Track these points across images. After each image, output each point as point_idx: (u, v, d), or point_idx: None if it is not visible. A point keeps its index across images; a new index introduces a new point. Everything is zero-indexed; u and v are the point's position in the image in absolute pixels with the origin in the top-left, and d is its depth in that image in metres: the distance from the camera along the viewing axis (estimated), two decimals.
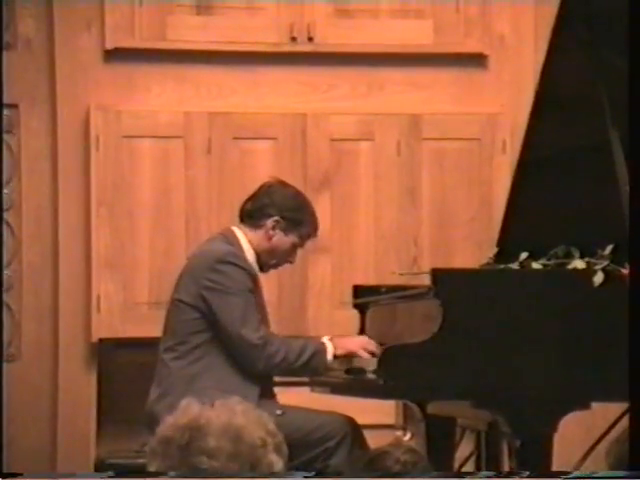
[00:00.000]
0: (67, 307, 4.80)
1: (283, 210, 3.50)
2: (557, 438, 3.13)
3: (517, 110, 4.52)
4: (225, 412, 1.91)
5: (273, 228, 3.50)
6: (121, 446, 3.86)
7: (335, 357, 3.43)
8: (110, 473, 2.14)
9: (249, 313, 3.40)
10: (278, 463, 1.90)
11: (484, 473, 3.15)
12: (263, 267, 3.56)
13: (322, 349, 3.41)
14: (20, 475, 2.15)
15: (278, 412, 3.26)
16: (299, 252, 3.68)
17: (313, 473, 2.09)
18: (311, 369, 3.42)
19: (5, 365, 4.81)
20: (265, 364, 3.37)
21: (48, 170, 4.83)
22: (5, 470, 4.15)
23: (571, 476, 2.15)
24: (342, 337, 3.53)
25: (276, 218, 3.50)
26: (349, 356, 3.43)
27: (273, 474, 1.90)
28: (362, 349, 3.42)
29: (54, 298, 4.81)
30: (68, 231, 4.81)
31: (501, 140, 4.90)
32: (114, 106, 4.80)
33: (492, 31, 4.98)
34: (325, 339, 3.48)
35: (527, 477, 2.31)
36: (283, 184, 3.59)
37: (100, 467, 3.63)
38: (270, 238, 3.50)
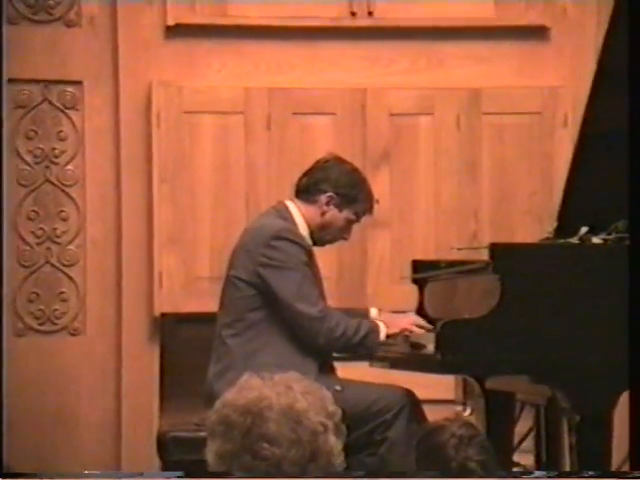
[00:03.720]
0: (130, 282, 4.86)
1: (337, 186, 3.50)
2: (618, 414, 3.11)
3: (579, 83, 4.47)
4: (285, 391, 1.92)
5: (327, 204, 3.51)
6: (183, 419, 3.91)
7: (387, 336, 3.43)
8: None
9: (306, 287, 3.41)
10: (337, 446, 1.92)
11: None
12: (317, 242, 3.56)
13: (375, 329, 3.43)
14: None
15: (337, 388, 3.28)
16: (359, 227, 3.68)
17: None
18: (366, 347, 3.43)
19: (70, 339, 4.89)
20: (326, 337, 3.38)
21: (111, 146, 4.88)
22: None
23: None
24: (391, 316, 3.54)
25: (330, 194, 3.50)
26: (401, 334, 3.43)
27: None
28: (412, 325, 3.43)
29: (117, 273, 4.88)
30: (131, 207, 4.87)
31: (562, 114, 4.85)
32: (175, 82, 4.84)
33: (554, 3, 4.92)
34: (372, 315, 3.49)
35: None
36: (339, 160, 3.59)
37: (163, 440, 3.68)
38: (324, 213, 3.51)
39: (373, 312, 3.61)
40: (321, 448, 1.90)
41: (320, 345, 3.41)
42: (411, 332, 3.43)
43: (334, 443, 1.91)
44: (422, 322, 3.47)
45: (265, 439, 1.88)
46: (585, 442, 3.05)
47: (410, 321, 3.47)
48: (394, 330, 3.44)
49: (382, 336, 3.44)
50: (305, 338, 3.41)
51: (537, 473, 2.81)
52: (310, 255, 3.49)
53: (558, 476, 2.39)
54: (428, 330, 3.40)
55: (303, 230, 3.52)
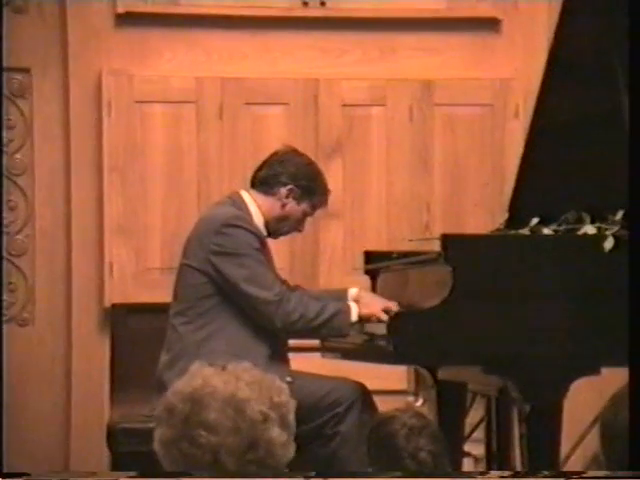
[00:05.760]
0: (80, 272, 4.82)
1: (297, 179, 3.52)
2: (568, 402, 3.13)
3: (530, 75, 4.49)
4: (231, 380, 1.91)
5: (287, 196, 3.52)
6: (134, 410, 3.89)
7: (360, 318, 3.38)
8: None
9: (259, 272, 3.41)
10: (281, 437, 1.90)
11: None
12: (272, 234, 3.56)
13: (345, 309, 3.38)
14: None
15: (288, 379, 3.27)
16: (311, 218, 3.68)
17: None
18: (333, 329, 3.38)
19: (18, 329, 4.84)
20: (283, 321, 3.37)
21: (60, 135, 4.83)
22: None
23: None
24: (370, 296, 3.49)
25: (290, 187, 3.51)
26: (372, 318, 3.36)
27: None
28: (383, 312, 3.34)
29: (67, 263, 4.83)
30: (80, 196, 4.82)
31: (514, 105, 4.88)
32: (126, 71, 4.79)
33: None
34: (351, 294, 3.45)
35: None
36: (296, 152, 3.60)
37: (113, 431, 3.65)
38: (283, 206, 3.52)
39: (352, 291, 3.53)
40: (260, 438, 1.88)
41: (278, 329, 3.39)
42: (379, 320, 3.37)
43: (277, 434, 1.90)
44: (394, 308, 3.35)
45: (203, 426, 1.88)
46: (535, 432, 3.07)
47: (385, 307, 3.36)
48: (366, 311, 3.37)
49: (354, 317, 3.38)
50: (262, 323, 3.40)
51: (492, 473, 2.82)
52: (262, 243, 3.49)
53: (512, 476, 2.40)
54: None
55: (258, 220, 3.52)
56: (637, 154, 2.73)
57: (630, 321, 2.59)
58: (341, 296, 3.51)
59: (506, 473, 2.68)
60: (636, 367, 2.44)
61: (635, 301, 2.57)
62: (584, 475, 2.14)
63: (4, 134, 4.72)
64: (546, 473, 2.38)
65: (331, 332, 3.42)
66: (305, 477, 2.05)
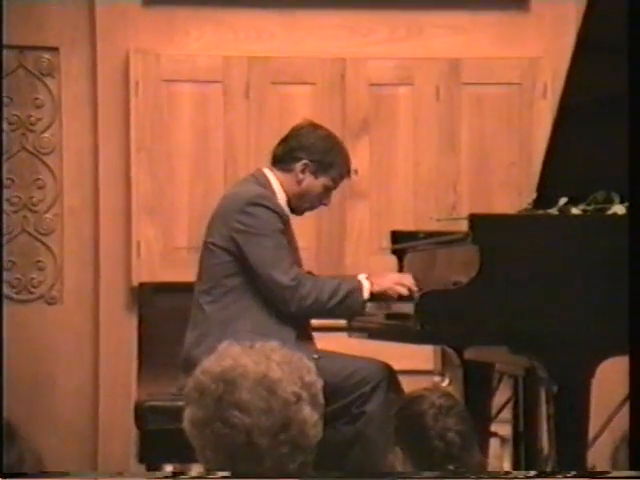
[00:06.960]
0: (108, 251, 4.84)
1: (312, 153, 3.47)
2: (596, 383, 3.12)
3: (559, 54, 4.46)
4: (261, 360, 1.92)
5: (302, 172, 3.48)
6: (161, 388, 3.91)
7: (372, 294, 3.36)
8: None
9: (280, 255, 3.39)
10: (312, 417, 1.91)
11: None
12: (296, 210, 3.54)
13: (358, 287, 3.36)
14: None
15: (315, 356, 3.27)
16: (337, 198, 3.67)
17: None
18: (347, 308, 3.38)
19: (47, 308, 4.87)
20: (297, 306, 3.36)
21: (88, 114, 4.84)
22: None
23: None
24: (380, 274, 3.46)
25: (305, 162, 3.48)
26: (386, 293, 3.36)
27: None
28: (397, 285, 3.35)
29: (95, 242, 4.86)
30: (108, 175, 4.84)
31: (542, 85, 4.85)
32: (153, 50, 4.80)
33: None
34: (362, 277, 3.42)
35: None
36: (314, 126, 3.55)
37: (140, 409, 3.67)
38: (300, 182, 3.48)
39: (362, 277, 3.51)
40: (292, 418, 1.89)
41: (292, 313, 3.39)
42: (397, 295, 3.34)
43: (308, 414, 1.91)
44: (408, 281, 3.37)
45: (236, 407, 1.89)
46: (563, 412, 3.06)
47: (395, 280, 3.38)
48: (377, 288, 3.36)
49: (365, 294, 3.36)
50: (278, 305, 3.39)
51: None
52: (286, 223, 3.46)
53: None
54: (410, 292, 3.34)
55: (281, 199, 3.50)
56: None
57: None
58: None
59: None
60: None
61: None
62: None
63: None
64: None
65: (345, 312, 3.42)
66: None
